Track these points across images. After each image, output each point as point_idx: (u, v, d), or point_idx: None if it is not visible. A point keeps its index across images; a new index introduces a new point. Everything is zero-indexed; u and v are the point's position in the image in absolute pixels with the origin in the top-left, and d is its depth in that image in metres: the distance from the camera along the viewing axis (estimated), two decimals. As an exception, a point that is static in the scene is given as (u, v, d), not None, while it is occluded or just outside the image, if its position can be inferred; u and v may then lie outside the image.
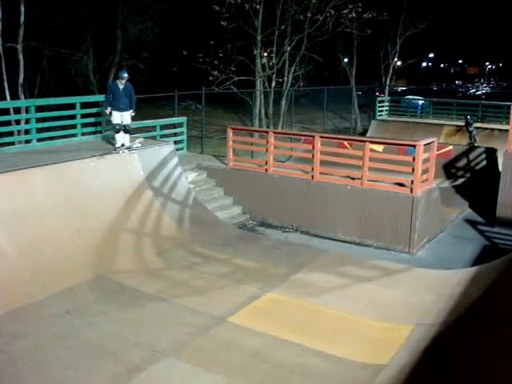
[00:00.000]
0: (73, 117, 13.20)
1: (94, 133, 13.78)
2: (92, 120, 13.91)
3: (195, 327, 7.59)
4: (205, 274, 9.54)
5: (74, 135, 13.24)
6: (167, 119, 15.99)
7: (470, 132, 21.02)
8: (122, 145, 11.90)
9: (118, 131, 11.84)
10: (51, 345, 7.05)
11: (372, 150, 11.97)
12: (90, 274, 9.10)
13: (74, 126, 13.24)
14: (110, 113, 11.79)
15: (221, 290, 8.85)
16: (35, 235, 9.10)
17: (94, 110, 14.03)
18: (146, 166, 11.84)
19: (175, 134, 15.54)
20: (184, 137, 15.69)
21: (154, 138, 14.41)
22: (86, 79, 24.85)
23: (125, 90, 11.68)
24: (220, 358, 6.85)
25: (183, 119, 15.82)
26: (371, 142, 12.19)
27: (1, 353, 6.79)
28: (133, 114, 11.98)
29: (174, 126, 15.88)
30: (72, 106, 13.12)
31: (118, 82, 11.69)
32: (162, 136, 14.89)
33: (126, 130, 11.91)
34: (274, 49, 24.32)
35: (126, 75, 11.64)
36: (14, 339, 7.12)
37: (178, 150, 13.99)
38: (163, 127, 15.31)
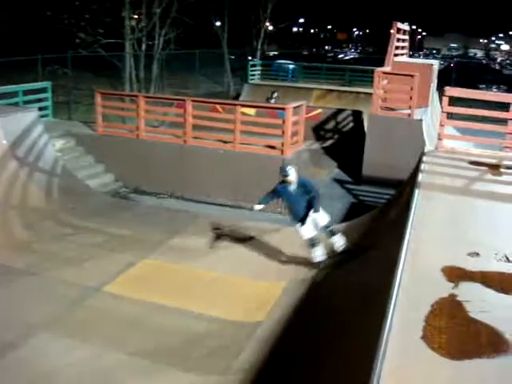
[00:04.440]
0: None
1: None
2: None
3: (70, 299, 7.38)
4: (77, 244, 9.24)
5: None
6: (29, 84, 15.08)
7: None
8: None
9: (314, 244, 8.12)
10: None
11: (244, 114, 12.11)
12: (-50, 251, 8.51)
13: None
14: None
15: (95, 260, 8.62)
16: None
17: None
18: (9, 134, 11.07)
19: (40, 100, 14.72)
20: (49, 103, 14.91)
21: (16, 104, 13.56)
22: None
23: (300, 190, 8.08)
24: (97, 329, 6.74)
25: (47, 84, 14.98)
26: (243, 106, 12.33)
27: None
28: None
29: (38, 91, 15.00)
30: None
31: (285, 186, 8.14)
32: (26, 102, 14.02)
33: (332, 232, 8.36)
34: (144, 11, 23.63)
35: (291, 174, 8.00)
36: None
37: (42, 116, 13.24)
38: (26, 93, 14.40)
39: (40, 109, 13.27)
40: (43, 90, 14.93)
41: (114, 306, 7.30)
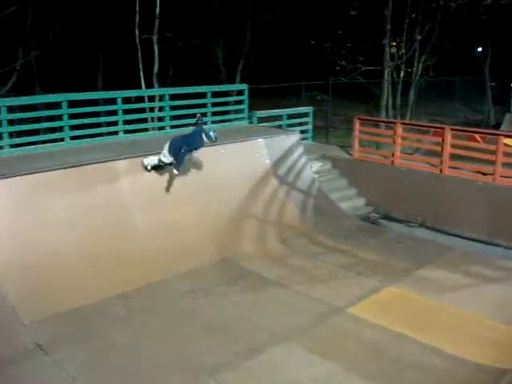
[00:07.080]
0: (203, 105, 13.65)
1: (223, 121, 14.21)
2: (222, 109, 14.35)
3: (314, 315, 7.73)
4: (326, 263, 9.64)
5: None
6: (294, 108, 16.09)
7: None
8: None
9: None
10: (178, 321, 7.51)
11: (506, 145, 11.38)
12: (216, 256, 9.53)
13: (204, 115, 13.69)
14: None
15: (341, 281, 8.93)
16: (166, 217, 9.61)
17: (224, 99, 14.50)
18: (272, 154, 12.07)
19: (301, 124, 15.63)
20: (310, 126, 15.70)
21: (280, 127, 14.64)
22: (216, 69, 25.63)
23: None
24: (337, 347, 6.94)
25: (310, 109, 15.85)
26: (506, 136, 11.59)
27: (129, 324, 7.37)
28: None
29: (299, 115, 15.94)
30: (203, 95, 13.61)
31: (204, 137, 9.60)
32: (289, 125, 15.04)
33: None
34: (404, 38, 23.66)
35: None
36: (143, 312, 7.67)
37: (303, 139, 14.07)
38: (289, 117, 15.45)
39: (301, 132, 14.12)
40: (304, 115, 15.82)
41: (355, 328, 7.43)
